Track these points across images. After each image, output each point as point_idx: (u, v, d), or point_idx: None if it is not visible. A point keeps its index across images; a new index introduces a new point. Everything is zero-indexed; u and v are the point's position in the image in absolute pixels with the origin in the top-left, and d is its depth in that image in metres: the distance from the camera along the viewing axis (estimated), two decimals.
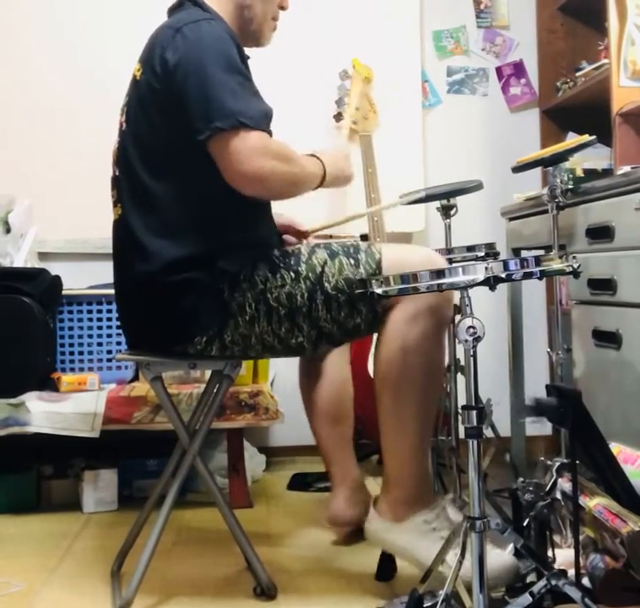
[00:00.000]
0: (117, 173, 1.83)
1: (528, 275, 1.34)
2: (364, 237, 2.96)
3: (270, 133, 1.70)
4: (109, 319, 2.74)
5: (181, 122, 1.69)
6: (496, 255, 2.09)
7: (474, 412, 1.33)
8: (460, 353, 2.07)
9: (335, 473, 2.14)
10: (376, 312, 1.74)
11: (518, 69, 3.30)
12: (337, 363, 2.15)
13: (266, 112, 1.72)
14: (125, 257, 1.80)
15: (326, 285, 1.73)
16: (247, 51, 1.83)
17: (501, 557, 1.63)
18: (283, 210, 1.97)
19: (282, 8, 1.92)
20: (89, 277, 2.81)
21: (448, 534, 1.48)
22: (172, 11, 1.86)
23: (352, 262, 1.74)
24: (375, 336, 1.80)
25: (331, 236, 3.07)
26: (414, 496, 1.73)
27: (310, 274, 1.74)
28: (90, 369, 2.72)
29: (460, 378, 1.95)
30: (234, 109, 1.64)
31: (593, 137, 2.00)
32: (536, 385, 2.53)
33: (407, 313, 1.69)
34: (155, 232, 1.73)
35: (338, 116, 3.08)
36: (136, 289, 1.78)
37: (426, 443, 1.80)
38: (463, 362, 1.71)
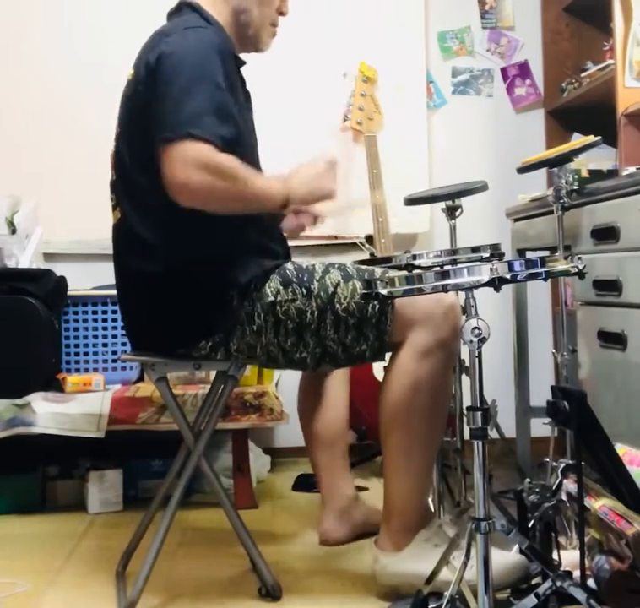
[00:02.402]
0: (115, 177, 1.83)
1: (533, 276, 1.34)
2: (369, 238, 2.96)
3: (217, 145, 1.61)
4: (114, 320, 2.75)
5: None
6: (500, 256, 2.08)
7: (479, 413, 1.33)
8: (465, 354, 2.07)
9: (326, 493, 2.16)
10: (383, 340, 1.73)
11: (523, 70, 3.30)
12: (336, 389, 2.16)
13: (223, 135, 1.63)
14: (129, 260, 1.80)
15: (337, 306, 1.72)
16: (247, 56, 1.83)
17: (507, 558, 1.63)
18: None
19: (281, 13, 1.90)
20: (94, 278, 2.82)
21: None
22: (171, 16, 1.86)
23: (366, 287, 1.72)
24: None
25: (336, 237, 3.08)
26: (414, 522, 1.74)
27: (321, 293, 1.73)
28: (95, 370, 2.73)
29: (465, 379, 1.95)
30: (188, 119, 1.60)
31: (599, 137, 2.00)
32: (541, 386, 2.53)
33: (417, 349, 1.69)
34: (159, 234, 1.73)
35: (344, 117, 3.08)
36: (141, 290, 1.78)
37: (431, 474, 1.82)
38: (468, 363, 1.71)
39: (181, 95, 1.63)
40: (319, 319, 1.72)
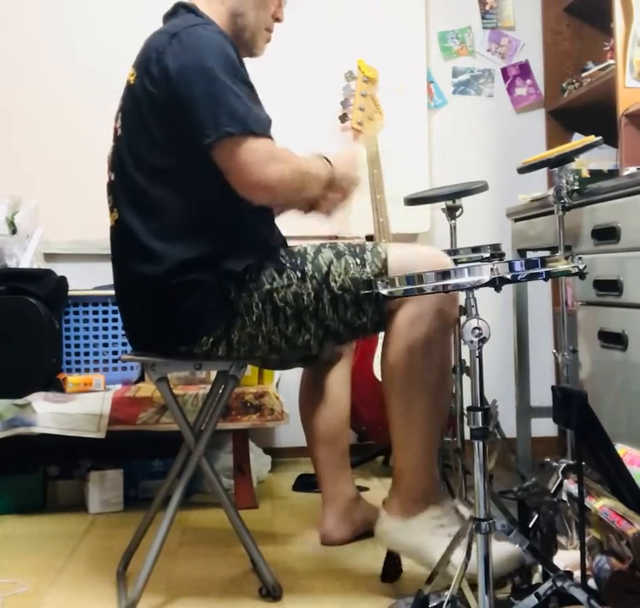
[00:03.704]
0: (113, 178, 1.83)
1: (533, 276, 1.34)
2: (369, 238, 2.96)
3: (272, 139, 1.71)
4: (115, 320, 2.75)
5: (178, 127, 1.69)
6: (501, 256, 2.09)
7: (480, 413, 1.33)
8: (466, 354, 2.07)
9: (327, 492, 2.16)
10: (383, 312, 1.74)
11: (524, 70, 3.30)
12: (337, 387, 2.16)
13: (269, 120, 1.74)
14: (127, 261, 1.80)
15: (332, 284, 1.73)
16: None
17: (502, 548, 1.62)
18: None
19: (277, 19, 1.92)
20: (94, 278, 2.81)
21: (456, 530, 1.48)
22: (167, 18, 1.86)
23: (358, 261, 1.74)
24: (381, 335, 1.80)
25: (337, 237, 3.08)
26: (423, 492, 1.74)
27: (316, 274, 1.74)
28: (96, 370, 2.73)
29: (466, 379, 1.95)
30: (243, 115, 1.66)
31: (599, 137, 2.00)
32: (542, 386, 2.53)
33: (412, 314, 1.69)
34: (158, 235, 1.73)
35: (344, 117, 3.08)
36: (140, 291, 1.78)
37: (436, 441, 1.81)
38: (468, 363, 1.71)
39: (224, 90, 1.65)
40: (316, 300, 1.73)
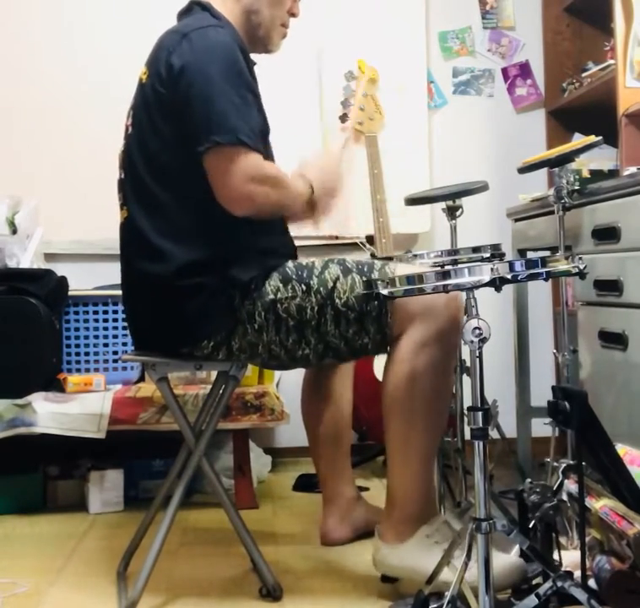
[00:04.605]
0: (123, 176, 1.83)
1: (533, 276, 1.34)
2: (369, 239, 2.96)
3: (262, 152, 1.71)
4: (115, 320, 2.75)
5: (183, 128, 1.69)
6: (501, 256, 2.08)
7: (480, 413, 1.33)
8: (466, 354, 2.07)
9: (328, 492, 2.16)
10: (385, 333, 1.73)
11: (524, 70, 3.30)
12: (340, 388, 2.16)
13: (261, 130, 1.74)
14: (134, 259, 1.80)
15: (337, 300, 1.73)
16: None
17: (506, 560, 1.63)
18: None
19: (292, 15, 1.91)
20: (95, 278, 2.81)
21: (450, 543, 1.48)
22: (181, 15, 1.86)
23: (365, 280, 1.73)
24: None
25: (337, 237, 3.08)
26: (416, 514, 1.74)
27: (321, 289, 1.74)
28: (96, 370, 2.73)
29: (466, 379, 1.95)
30: (235, 125, 1.65)
31: (599, 137, 2.00)
32: (542, 386, 2.52)
33: (416, 339, 1.69)
34: (165, 234, 1.73)
35: (344, 117, 3.08)
36: (145, 290, 1.79)
37: (432, 465, 1.81)
38: (468, 363, 1.71)
39: (220, 98, 1.65)
40: (319, 315, 1.73)
